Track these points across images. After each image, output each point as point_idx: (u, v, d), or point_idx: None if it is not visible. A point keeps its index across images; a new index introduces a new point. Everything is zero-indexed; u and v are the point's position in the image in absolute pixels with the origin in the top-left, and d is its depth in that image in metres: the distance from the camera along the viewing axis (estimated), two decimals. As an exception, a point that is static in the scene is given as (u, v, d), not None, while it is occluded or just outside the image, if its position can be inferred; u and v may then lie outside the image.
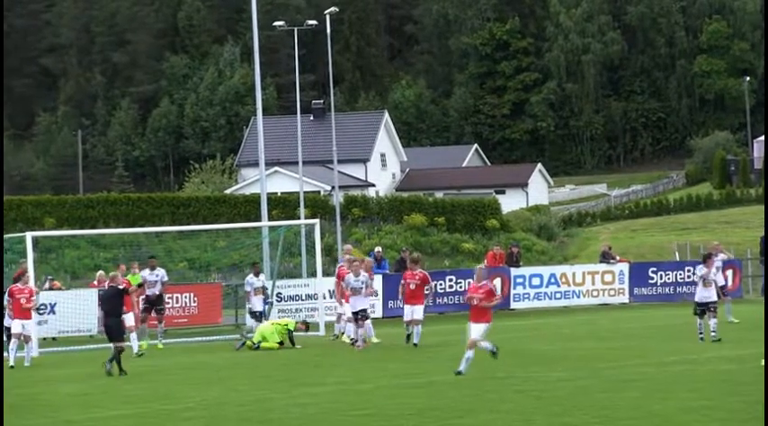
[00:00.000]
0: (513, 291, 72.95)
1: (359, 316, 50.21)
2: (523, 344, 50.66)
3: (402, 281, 51.24)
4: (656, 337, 53.30)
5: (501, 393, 36.45)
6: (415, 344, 49.55)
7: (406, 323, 53.59)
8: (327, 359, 50.43)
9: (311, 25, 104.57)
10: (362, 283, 50.49)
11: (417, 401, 34.63)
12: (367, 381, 42.13)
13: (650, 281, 73.77)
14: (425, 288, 53.13)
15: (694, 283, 58.38)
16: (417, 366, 46.08)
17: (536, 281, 72.86)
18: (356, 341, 52.80)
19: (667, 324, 56.01)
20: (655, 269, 75.84)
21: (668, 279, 70.78)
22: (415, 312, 51.29)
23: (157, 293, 63.00)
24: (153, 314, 62.41)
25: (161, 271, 64.80)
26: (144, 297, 59.78)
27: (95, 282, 68.63)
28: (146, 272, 61.12)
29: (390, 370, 44.85)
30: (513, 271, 74.64)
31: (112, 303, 50.36)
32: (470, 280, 60.93)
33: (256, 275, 61.28)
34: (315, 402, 36.91)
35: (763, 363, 34.58)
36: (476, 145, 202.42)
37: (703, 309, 53.70)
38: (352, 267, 54.27)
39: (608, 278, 70.78)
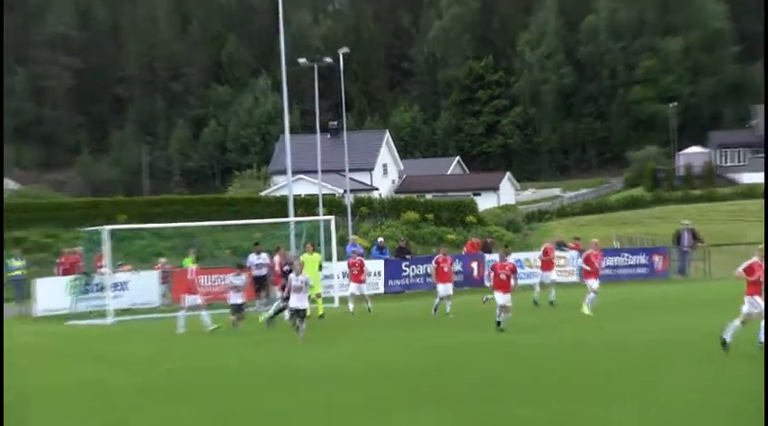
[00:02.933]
0: (486, 272, 72.01)
1: (299, 315, 44.96)
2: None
3: (491, 272, 47.34)
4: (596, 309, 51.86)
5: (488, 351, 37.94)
6: (498, 324, 45.01)
7: (441, 298, 51.86)
8: (345, 327, 49.30)
9: (328, 62, 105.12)
10: (302, 282, 45.99)
11: (434, 360, 35.67)
12: (381, 345, 42.94)
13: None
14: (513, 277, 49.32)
15: (630, 266, 59.38)
16: (448, 333, 45.45)
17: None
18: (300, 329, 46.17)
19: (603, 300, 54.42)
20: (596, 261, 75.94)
21: (609, 262, 70.11)
22: (507, 299, 46.55)
23: (263, 273, 61.10)
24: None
25: (264, 255, 62.96)
26: (254, 277, 58.14)
27: (158, 265, 68.73)
28: (252, 256, 60.30)
29: (413, 337, 43.78)
30: (487, 257, 75.01)
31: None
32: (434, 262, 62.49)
33: (257, 254, 59.97)
34: (336, 360, 37.94)
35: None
36: (458, 157, 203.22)
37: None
38: (294, 266, 49.27)
39: (561, 262, 69.54)
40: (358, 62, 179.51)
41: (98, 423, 26.53)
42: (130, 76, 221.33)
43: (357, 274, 57.19)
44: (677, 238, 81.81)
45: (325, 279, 60.14)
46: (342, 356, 39.33)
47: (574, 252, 66.87)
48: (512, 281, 48.47)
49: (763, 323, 35.33)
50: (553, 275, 57.68)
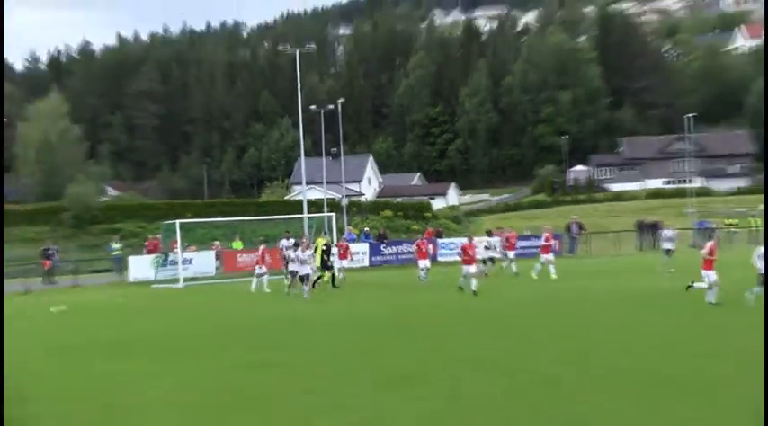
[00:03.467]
0: (440, 251, 73.12)
1: (302, 279, 45.72)
2: (452, 281, 47.37)
3: (461, 250, 45.94)
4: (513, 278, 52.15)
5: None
6: (460, 288, 43.66)
7: (422, 270, 50.68)
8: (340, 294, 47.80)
9: (330, 108, 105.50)
10: (308, 256, 47.02)
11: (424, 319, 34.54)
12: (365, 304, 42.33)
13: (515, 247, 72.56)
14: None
15: (536, 247, 59.39)
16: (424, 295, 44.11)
17: (452, 246, 72.40)
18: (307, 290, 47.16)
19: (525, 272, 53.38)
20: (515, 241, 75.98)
21: (523, 244, 68.98)
22: (472, 269, 45.27)
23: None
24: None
25: (292, 240, 59.25)
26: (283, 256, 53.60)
27: (213, 247, 69.40)
28: (283, 241, 57.65)
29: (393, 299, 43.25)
30: (440, 241, 75.82)
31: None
32: (414, 245, 64.12)
33: (287, 239, 56.96)
34: (336, 312, 38.33)
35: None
36: (419, 173, 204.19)
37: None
38: (302, 244, 50.38)
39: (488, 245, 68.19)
40: (351, 108, 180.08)
41: (172, 354, 27.22)
42: (195, 118, 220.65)
43: (343, 253, 56.46)
44: (568, 228, 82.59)
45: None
46: (340, 309, 39.39)
47: (498, 238, 66.05)
48: (477, 255, 48.31)
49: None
50: (551, 257, 54.62)
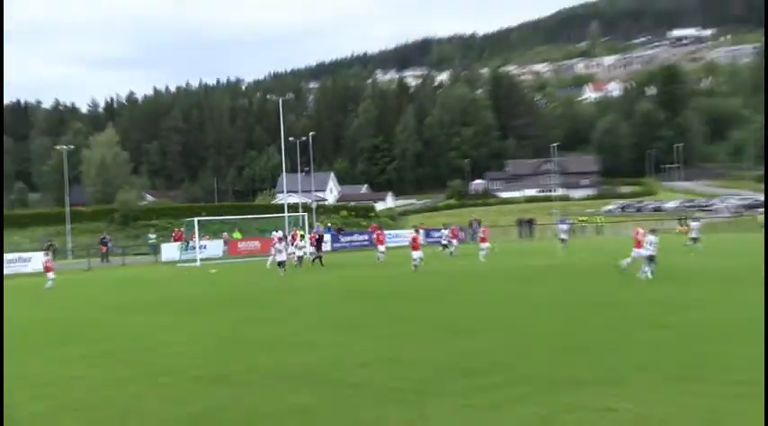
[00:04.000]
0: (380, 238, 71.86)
1: (280, 265, 43.43)
2: (402, 257, 47.94)
3: (411, 239, 43.87)
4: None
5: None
6: (415, 267, 40.99)
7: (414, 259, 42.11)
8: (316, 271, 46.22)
9: (304, 139, 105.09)
10: (284, 246, 45.43)
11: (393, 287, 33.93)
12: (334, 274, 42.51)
13: (433, 237, 72.34)
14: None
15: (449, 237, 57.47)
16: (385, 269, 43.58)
17: (390, 235, 70.97)
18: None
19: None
20: (432, 232, 75.41)
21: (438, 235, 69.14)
22: (419, 255, 43.04)
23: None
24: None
25: (280, 232, 59.74)
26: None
27: (222, 236, 69.19)
28: (275, 233, 54.51)
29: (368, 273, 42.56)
30: (387, 232, 73.16)
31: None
32: (365, 236, 70.64)
33: (276, 232, 53.87)
34: (313, 283, 37.73)
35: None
36: (366, 184, 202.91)
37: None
38: (294, 236, 52.76)
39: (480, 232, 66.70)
40: (318, 139, 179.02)
41: (194, 311, 27.46)
42: (209, 146, 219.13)
43: (316, 242, 54.50)
44: (470, 223, 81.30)
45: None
46: (315, 280, 38.81)
47: (422, 231, 65.72)
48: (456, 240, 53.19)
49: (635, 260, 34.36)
50: (455, 242, 53.58)
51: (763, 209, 75.70)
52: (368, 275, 41.07)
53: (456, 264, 45.70)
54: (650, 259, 31.90)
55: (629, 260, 34.18)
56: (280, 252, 44.02)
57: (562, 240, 53.44)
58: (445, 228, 60.47)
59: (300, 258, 50.79)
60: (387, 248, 54.42)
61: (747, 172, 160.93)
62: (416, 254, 41.76)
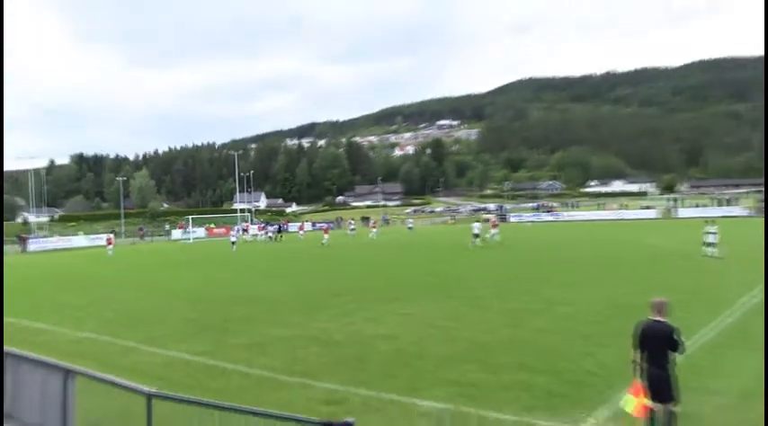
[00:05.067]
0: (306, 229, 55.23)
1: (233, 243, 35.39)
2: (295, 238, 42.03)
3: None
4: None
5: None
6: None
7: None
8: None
9: (248, 174, 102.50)
10: (237, 230, 40.24)
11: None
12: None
13: (315, 227, 64.55)
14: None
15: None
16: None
17: (293, 226, 61.34)
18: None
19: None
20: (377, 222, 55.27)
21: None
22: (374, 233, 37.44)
23: (243, 227, 52.30)
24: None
25: (244, 224, 53.79)
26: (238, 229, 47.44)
27: (208, 227, 64.96)
28: (240, 224, 50.54)
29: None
30: (290, 224, 66.88)
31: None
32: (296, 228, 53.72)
33: (242, 223, 51.90)
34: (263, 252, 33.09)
35: None
36: (281, 198, 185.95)
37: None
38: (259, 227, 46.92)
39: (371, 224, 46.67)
40: (256, 176, 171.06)
41: (191, 267, 24.02)
42: (197, 178, 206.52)
43: (262, 227, 47.85)
44: (337, 219, 73.30)
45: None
46: (255, 249, 34.48)
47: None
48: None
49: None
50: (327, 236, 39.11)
51: None
52: (288, 247, 36.44)
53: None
54: (475, 236, 28.73)
55: (476, 240, 28.75)
56: (234, 236, 37.47)
57: (475, 236, 32.39)
58: (321, 222, 56.40)
59: (255, 235, 45.34)
60: (302, 232, 48.78)
61: (476, 192, 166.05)
62: (326, 236, 35.64)
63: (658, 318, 5.53)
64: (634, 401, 5.34)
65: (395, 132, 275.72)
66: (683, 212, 57.81)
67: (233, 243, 35.91)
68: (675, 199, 72.43)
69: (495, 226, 32.25)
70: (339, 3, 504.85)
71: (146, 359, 9.37)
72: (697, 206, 60.84)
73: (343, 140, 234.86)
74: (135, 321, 12.59)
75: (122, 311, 13.86)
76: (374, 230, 42.02)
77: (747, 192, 74.77)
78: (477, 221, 37.65)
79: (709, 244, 19.97)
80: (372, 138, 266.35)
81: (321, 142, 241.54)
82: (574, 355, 8.49)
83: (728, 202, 59.79)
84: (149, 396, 4.88)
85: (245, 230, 51.74)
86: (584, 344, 9.06)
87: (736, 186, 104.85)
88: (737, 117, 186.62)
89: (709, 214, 48.94)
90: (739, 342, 8.88)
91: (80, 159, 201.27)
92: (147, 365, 8.96)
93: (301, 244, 37.70)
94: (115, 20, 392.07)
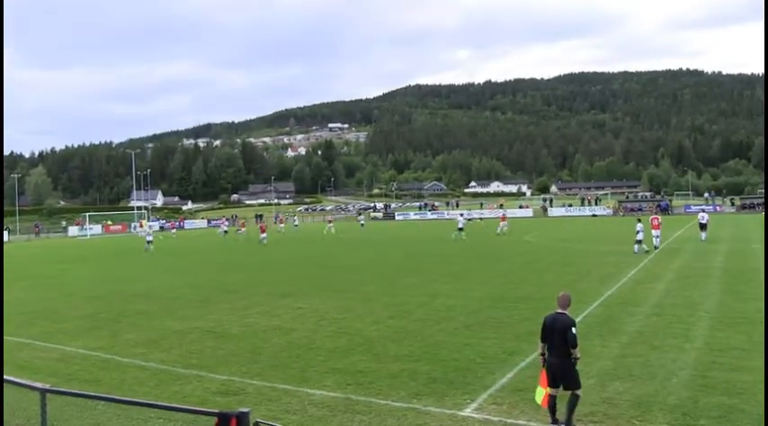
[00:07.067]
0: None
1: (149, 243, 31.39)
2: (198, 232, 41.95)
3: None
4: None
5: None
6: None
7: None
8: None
9: (146, 173, 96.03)
10: (149, 227, 37.29)
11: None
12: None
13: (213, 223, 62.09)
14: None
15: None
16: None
17: (190, 222, 61.56)
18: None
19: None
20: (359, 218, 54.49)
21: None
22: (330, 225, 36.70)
23: (162, 224, 50.34)
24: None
25: (159, 222, 53.30)
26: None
27: (103, 223, 61.84)
28: (153, 221, 48.19)
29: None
30: (187, 221, 65.83)
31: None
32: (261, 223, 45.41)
33: (144, 220, 48.73)
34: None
35: None
36: (178, 196, 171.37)
37: None
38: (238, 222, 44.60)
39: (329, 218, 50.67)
40: (153, 173, 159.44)
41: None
42: (95, 175, 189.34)
43: (173, 224, 44.68)
44: (233, 216, 66.80)
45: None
46: (159, 246, 32.93)
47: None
48: None
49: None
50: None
51: None
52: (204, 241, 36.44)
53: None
54: (460, 230, 27.55)
55: (461, 232, 28.20)
56: (149, 234, 33.72)
57: (459, 230, 31.18)
58: (220, 218, 54.28)
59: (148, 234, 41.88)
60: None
61: (364, 192, 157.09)
62: (263, 235, 32.17)
63: (561, 311, 5.47)
64: (542, 392, 5.22)
65: (288, 134, 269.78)
66: (554, 211, 59.86)
67: (149, 242, 31.53)
68: (549, 199, 74.53)
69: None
70: (236, 10, 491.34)
71: (41, 354, 9.00)
72: (564, 205, 62.77)
73: (238, 141, 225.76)
74: (30, 317, 12.08)
75: (16, 308, 13.21)
76: (330, 224, 42.52)
77: (608, 194, 77.52)
78: (461, 215, 35.96)
79: (638, 242, 20.40)
80: (266, 139, 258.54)
81: (217, 142, 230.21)
82: (456, 344, 8.61)
83: (594, 202, 62.18)
84: (44, 392, 4.47)
85: (162, 228, 49.94)
86: (464, 334, 9.21)
87: (601, 188, 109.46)
88: (601, 125, 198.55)
89: (575, 213, 53.12)
90: (602, 330, 9.22)
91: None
92: (42, 361, 8.61)
93: (203, 241, 37.33)
94: (11, 19, 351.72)
